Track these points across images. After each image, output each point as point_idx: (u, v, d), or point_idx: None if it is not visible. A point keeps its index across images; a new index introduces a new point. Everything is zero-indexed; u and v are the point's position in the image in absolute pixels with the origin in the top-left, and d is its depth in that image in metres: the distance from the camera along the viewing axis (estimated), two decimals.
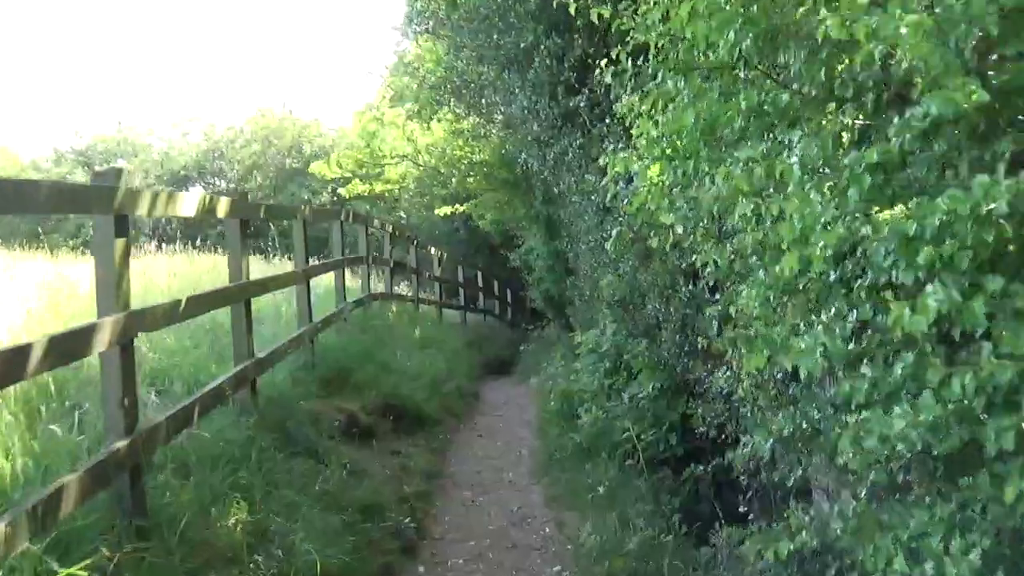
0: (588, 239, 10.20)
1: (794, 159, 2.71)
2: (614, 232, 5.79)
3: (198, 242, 15.71)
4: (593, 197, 9.25)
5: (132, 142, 31.54)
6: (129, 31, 77.67)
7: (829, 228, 2.53)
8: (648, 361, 7.08)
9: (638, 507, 6.07)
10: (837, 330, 2.64)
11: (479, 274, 22.56)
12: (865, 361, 2.66)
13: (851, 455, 2.64)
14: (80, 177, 26.60)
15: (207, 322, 7.36)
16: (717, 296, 6.42)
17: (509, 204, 17.35)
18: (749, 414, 4.21)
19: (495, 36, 9.70)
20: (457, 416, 9.94)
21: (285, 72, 76.41)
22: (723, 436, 5.85)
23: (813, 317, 2.88)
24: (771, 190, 2.93)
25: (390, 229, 14.20)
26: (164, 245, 21.22)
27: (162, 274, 10.04)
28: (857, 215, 2.52)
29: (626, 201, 7.54)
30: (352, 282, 13.46)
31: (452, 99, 13.68)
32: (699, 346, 6.59)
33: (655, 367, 7.02)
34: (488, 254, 25.25)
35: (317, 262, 10.95)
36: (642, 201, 5.04)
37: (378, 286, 14.27)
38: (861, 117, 2.90)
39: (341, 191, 20.22)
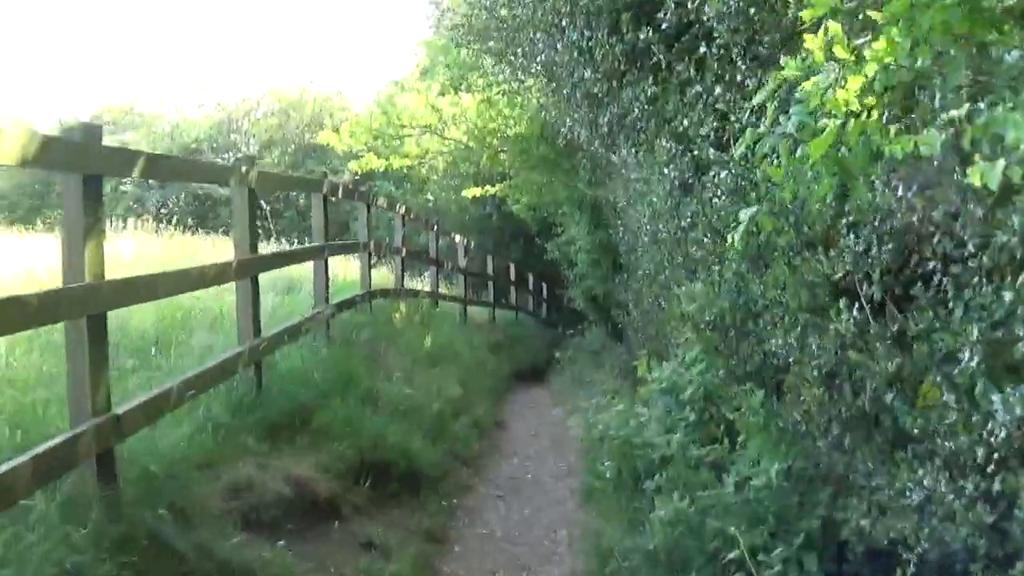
0: (655, 228, 7.57)
1: None
2: (743, 216, 3.11)
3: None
4: (667, 170, 6.60)
5: (140, 112, 29.12)
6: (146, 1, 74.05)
7: None
8: (765, 423, 4.42)
9: None
10: None
11: (511, 266, 19.89)
12: None
13: None
14: None
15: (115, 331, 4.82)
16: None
17: (548, 186, 14.69)
18: None
19: None
20: (470, 464, 7.31)
21: (314, 48, 73.15)
22: None
23: None
24: None
25: (402, 211, 11.59)
26: (164, 225, 18.89)
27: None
28: None
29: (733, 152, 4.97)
30: (352, 274, 10.98)
31: (478, 46, 10.95)
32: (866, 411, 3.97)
33: (779, 435, 4.36)
34: (523, 244, 22.66)
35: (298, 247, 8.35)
36: (831, 142, 2.53)
37: (390, 280, 11.74)
38: None
39: (351, 165, 17.56)
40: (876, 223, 3.74)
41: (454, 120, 15.24)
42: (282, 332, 6.02)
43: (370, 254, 9.57)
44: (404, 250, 11.44)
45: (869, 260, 3.82)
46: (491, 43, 9.87)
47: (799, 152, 2.80)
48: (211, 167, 7.81)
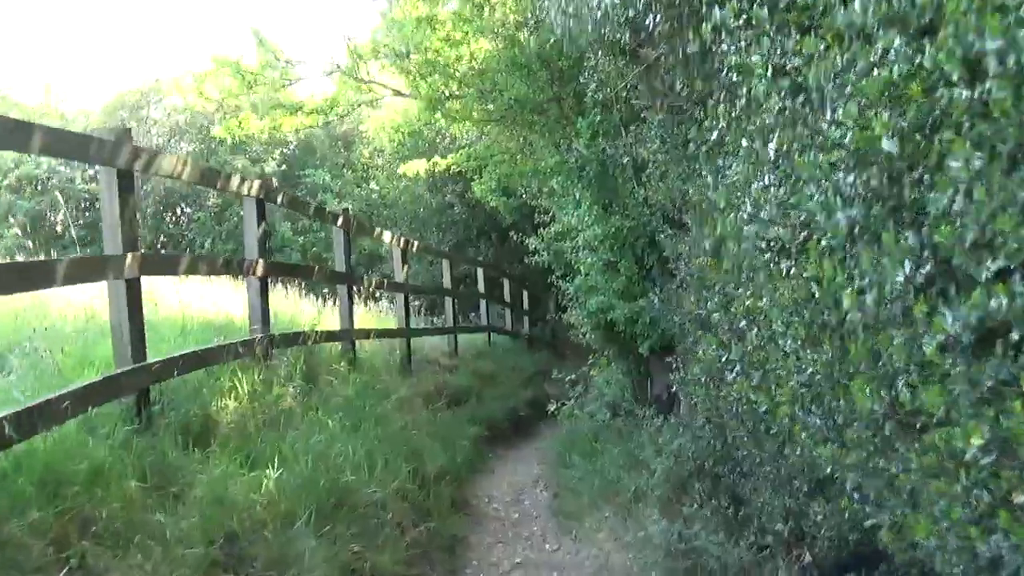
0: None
1: None
2: None
3: None
4: None
5: (17, 104, 23.42)
6: None
7: None
8: None
9: None
10: None
11: (479, 272, 14.50)
12: None
13: None
14: None
15: None
16: None
17: (526, 150, 9.35)
18: None
19: None
20: None
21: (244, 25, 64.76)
22: None
23: None
24: None
25: (255, 190, 6.13)
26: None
27: None
28: None
29: None
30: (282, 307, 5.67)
31: None
32: None
33: None
34: (495, 241, 17.32)
35: None
36: None
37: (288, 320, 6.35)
38: None
39: (216, 132, 12.08)
40: None
41: (374, 54, 9.76)
42: None
43: (135, 284, 4.20)
44: (261, 263, 6.04)
45: None
46: None
47: None
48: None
